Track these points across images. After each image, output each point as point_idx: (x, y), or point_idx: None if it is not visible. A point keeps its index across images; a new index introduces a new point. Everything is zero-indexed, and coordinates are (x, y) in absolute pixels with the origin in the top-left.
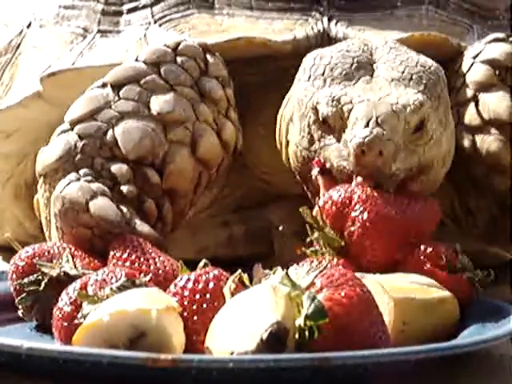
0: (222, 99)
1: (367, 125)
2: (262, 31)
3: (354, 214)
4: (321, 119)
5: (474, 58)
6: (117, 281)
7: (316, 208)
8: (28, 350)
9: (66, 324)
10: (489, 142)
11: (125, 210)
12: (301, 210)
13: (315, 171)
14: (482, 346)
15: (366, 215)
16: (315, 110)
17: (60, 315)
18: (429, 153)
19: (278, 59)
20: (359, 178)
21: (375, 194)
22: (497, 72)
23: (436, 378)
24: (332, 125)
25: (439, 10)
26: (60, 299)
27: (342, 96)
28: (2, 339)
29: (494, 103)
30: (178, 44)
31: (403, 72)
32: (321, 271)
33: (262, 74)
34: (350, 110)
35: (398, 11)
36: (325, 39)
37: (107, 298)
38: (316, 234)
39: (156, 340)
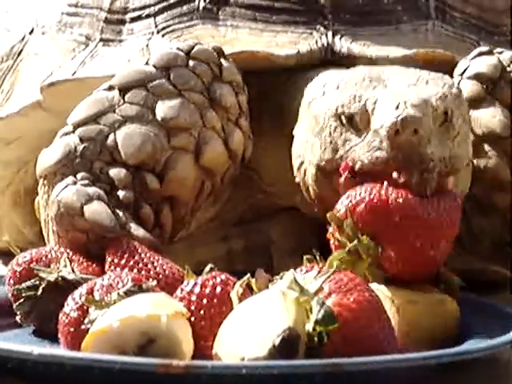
0: (233, 106)
1: (397, 108)
2: (265, 44)
3: (390, 217)
4: (345, 121)
5: (461, 74)
6: (123, 286)
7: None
8: (39, 357)
9: (72, 330)
10: (486, 158)
11: (120, 214)
12: (328, 215)
13: (343, 177)
14: (494, 350)
15: (403, 219)
16: (336, 115)
17: (66, 321)
18: (458, 149)
19: (279, 71)
20: (394, 174)
21: (410, 195)
22: (484, 86)
23: (442, 382)
24: (358, 122)
25: (445, 25)
26: (66, 304)
27: (363, 94)
28: (9, 345)
29: (485, 118)
30: (192, 48)
31: (418, 79)
32: (329, 276)
33: (261, 85)
34: (375, 102)
35: (404, 26)
36: (328, 53)
37: (114, 303)
38: (353, 243)
39: (165, 346)
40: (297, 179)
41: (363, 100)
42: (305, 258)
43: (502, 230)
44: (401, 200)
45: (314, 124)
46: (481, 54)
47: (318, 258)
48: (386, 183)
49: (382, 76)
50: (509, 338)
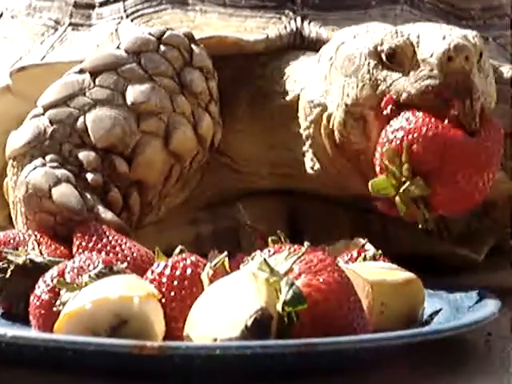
0: (203, 92)
1: (444, 38)
2: (234, 29)
3: (447, 156)
4: (386, 57)
5: None
6: (94, 268)
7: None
8: (12, 339)
9: (44, 312)
10: None
11: (88, 197)
12: (385, 149)
13: (387, 110)
14: (464, 330)
15: (459, 156)
16: (375, 53)
17: (38, 303)
18: (490, 88)
19: (250, 55)
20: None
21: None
22: None
23: (412, 363)
24: (402, 57)
25: (414, 10)
26: (37, 287)
27: (403, 29)
28: None
29: None
30: (163, 33)
31: (447, 27)
32: (299, 257)
33: (233, 69)
34: (418, 36)
35: (373, 11)
36: (297, 39)
37: (86, 285)
38: (407, 183)
39: (138, 327)
40: (306, 133)
41: (406, 34)
42: (270, 239)
43: (471, 220)
44: (455, 138)
45: (348, 63)
46: None
47: (283, 239)
48: (437, 120)
49: (410, 27)
50: (477, 318)
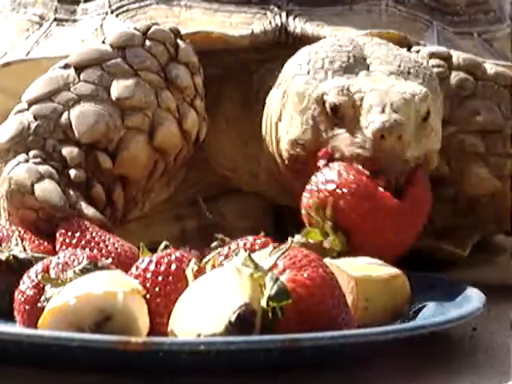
0: (189, 87)
1: (383, 111)
2: (219, 25)
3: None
4: (329, 110)
5: None
6: (79, 263)
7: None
8: None
9: (28, 307)
10: None
11: (71, 193)
12: (311, 200)
13: (321, 163)
14: (449, 325)
15: (382, 211)
16: (321, 101)
17: (22, 299)
18: (431, 144)
19: (236, 52)
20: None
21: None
22: None
23: (397, 358)
24: (343, 114)
25: (399, 6)
26: (22, 282)
27: (350, 85)
28: None
29: None
30: (149, 28)
31: (399, 66)
32: (283, 253)
33: (220, 67)
34: (362, 98)
35: (358, 6)
36: (282, 34)
37: (70, 280)
38: (330, 237)
39: (122, 323)
40: (266, 139)
41: (351, 93)
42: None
43: (456, 216)
44: (382, 199)
45: (297, 101)
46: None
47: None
48: (368, 178)
49: (364, 53)
50: (465, 312)
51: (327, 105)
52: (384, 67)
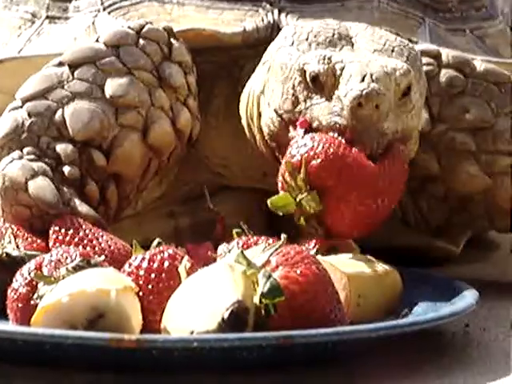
0: (182, 86)
1: (363, 80)
2: (211, 22)
3: (343, 175)
4: (309, 78)
5: None
6: (72, 261)
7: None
8: None
9: (21, 305)
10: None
11: (65, 190)
12: (284, 162)
13: (300, 131)
14: (442, 322)
15: (355, 177)
16: (302, 71)
17: (15, 296)
18: (411, 122)
19: (228, 49)
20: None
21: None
22: None
23: (389, 355)
24: (322, 82)
25: (391, 2)
26: (14, 280)
27: (332, 55)
28: None
29: None
30: (143, 26)
31: (384, 44)
32: (276, 249)
33: (211, 64)
34: (342, 68)
35: (350, 3)
36: (275, 31)
37: (63, 278)
38: (302, 195)
39: (115, 320)
40: (245, 113)
41: (332, 63)
42: (234, 231)
43: (449, 213)
44: (355, 160)
45: (280, 71)
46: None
47: (246, 231)
48: (342, 140)
49: (349, 33)
50: (458, 309)
51: (307, 74)
52: (368, 45)
